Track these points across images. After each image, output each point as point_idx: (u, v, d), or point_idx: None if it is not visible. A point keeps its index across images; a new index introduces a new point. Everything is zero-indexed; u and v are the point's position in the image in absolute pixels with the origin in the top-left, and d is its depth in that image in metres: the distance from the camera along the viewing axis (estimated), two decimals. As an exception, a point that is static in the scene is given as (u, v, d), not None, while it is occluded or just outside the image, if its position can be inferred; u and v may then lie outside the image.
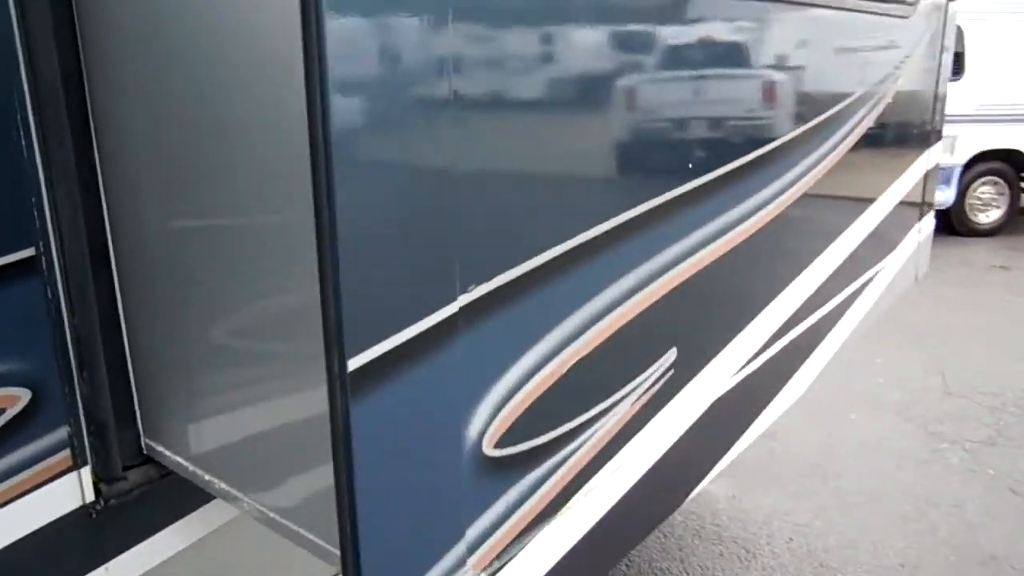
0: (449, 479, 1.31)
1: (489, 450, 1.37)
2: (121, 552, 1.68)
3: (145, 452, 1.70)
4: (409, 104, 1.11)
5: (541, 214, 1.43)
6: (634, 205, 1.65)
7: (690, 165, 1.84)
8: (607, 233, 1.55)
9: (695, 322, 2.02)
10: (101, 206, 1.55)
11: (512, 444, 1.43)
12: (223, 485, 1.56)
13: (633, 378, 1.75)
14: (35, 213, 1.44)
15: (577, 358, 1.54)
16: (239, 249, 1.44)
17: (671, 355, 1.87)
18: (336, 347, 1.03)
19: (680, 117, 1.86)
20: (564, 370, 1.52)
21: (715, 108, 2.02)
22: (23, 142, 1.40)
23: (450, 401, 1.28)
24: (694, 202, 1.88)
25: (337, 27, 0.95)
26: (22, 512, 1.51)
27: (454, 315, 1.21)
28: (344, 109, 0.98)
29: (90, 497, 1.61)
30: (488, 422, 1.35)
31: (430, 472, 1.29)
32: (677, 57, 1.83)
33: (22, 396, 1.49)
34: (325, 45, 0.93)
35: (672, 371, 1.88)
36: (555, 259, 1.43)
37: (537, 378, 1.45)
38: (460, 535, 1.35)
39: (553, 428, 1.54)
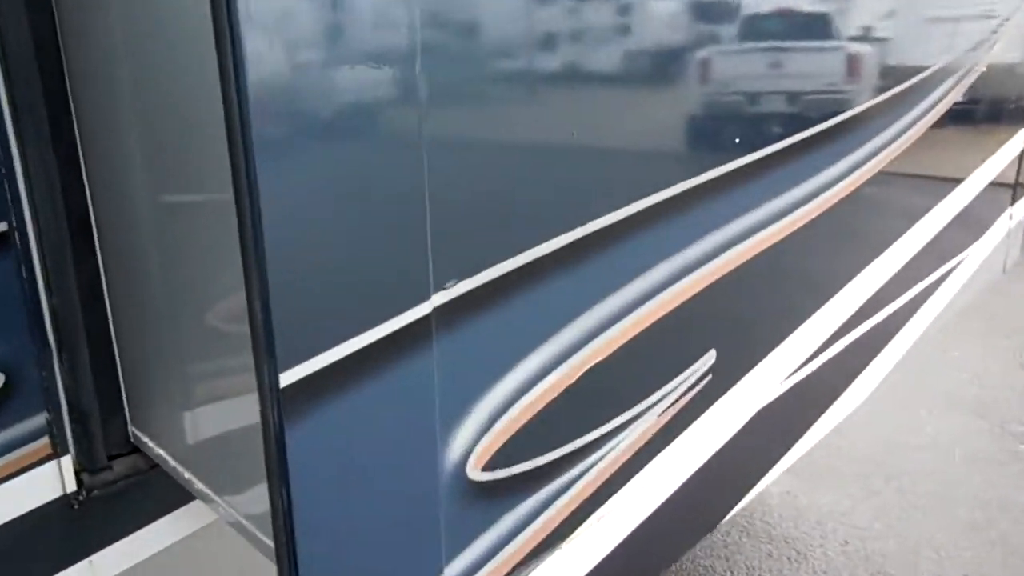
0: (422, 509, 1.08)
1: (474, 473, 1.13)
2: (106, 545, 1.54)
3: (132, 442, 1.54)
4: (356, 60, 0.86)
5: (545, 194, 1.16)
6: (666, 184, 1.36)
7: (738, 138, 1.53)
8: (631, 218, 1.27)
9: (740, 320, 1.72)
10: (81, 178, 1.38)
11: (504, 466, 1.18)
12: (200, 485, 1.38)
13: (661, 386, 1.47)
14: (6, 184, 1.29)
15: (590, 364, 1.28)
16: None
17: (709, 358, 1.58)
18: (265, 358, 0.80)
19: (725, 81, 1.54)
20: (573, 379, 1.25)
21: (771, 74, 1.69)
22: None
23: (422, 418, 1.04)
24: (742, 181, 1.58)
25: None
26: (-3, 500, 1.38)
27: (426, 317, 0.97)
28: (260, 58, 0.75)
29: (72, 487, 1.48)
30: (473, 441, 1.11)
31: (397, 501, 1.06)
32: (723, 13, 1.52)
33: (-7, 379, 1.35)
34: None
35: (710, 376, 1.59)
36: (562, 249, 1.16)
37: (538, 389, 1.19)
38: (437, 572, 1.11)
39: (558, 446, 1.28)
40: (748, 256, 1.64)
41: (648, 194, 1.34)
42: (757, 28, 1.63)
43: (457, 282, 1.00)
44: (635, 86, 1.37)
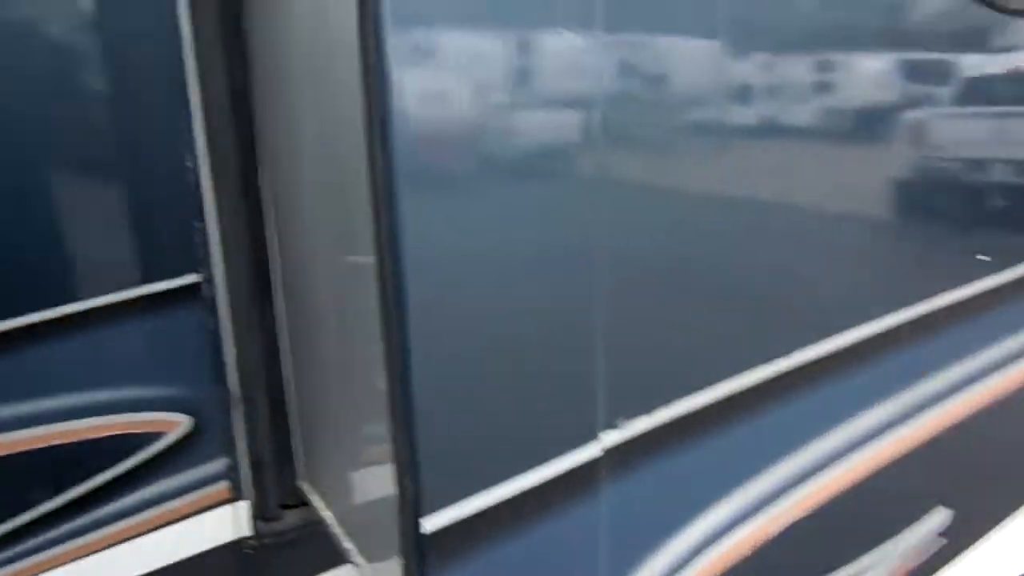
0: None
1: (642, 639, 0.94)
2: (275, 592, 1.54)
3: (300, 496, 1.54)
4: (522, 155, 0.74)
5: (738, 316, 0.96)
6: (889, 311, 1.10)
7: (980, 255, 1.23)
8: (844, 351, 1.03)
9: (980, 473, 1.37)
10: (264, 233, 1.39)
11: (675, 631, 0.99)
12: (358, 557, 1.33)
13: (872, 549, 1.19)
14: (201, 238, 1.32)
15: (787, 519, 1.05)
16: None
17: (940, 517, 1.27)
18: (409, 502, 0.70)
19: (980, 195, 1.25)
20: (768, 535, 1.04)
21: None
22: (189, 162, 1.27)
23: (585, 575, 0.88)
24: (982, 308, 1.27)
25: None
26: (178, 538, 1.43)
27: (595, 461, 0.82)
28: (412, 159, 0.65)
29: (246, 532, 1.50)
30: (642, 603, 0.93)
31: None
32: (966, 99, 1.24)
33: (182, 423, 1.40)
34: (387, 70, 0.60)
35: (943, 540, 1.27)
36: (759, 385, 0.95)
37: (724, 544, 0.99)
38: None
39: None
40: (990, 398, 1.31)
41: (868, 320, 1.09)
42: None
43: (630, 420, 0.84)
44: (866, 187, 1.14)
